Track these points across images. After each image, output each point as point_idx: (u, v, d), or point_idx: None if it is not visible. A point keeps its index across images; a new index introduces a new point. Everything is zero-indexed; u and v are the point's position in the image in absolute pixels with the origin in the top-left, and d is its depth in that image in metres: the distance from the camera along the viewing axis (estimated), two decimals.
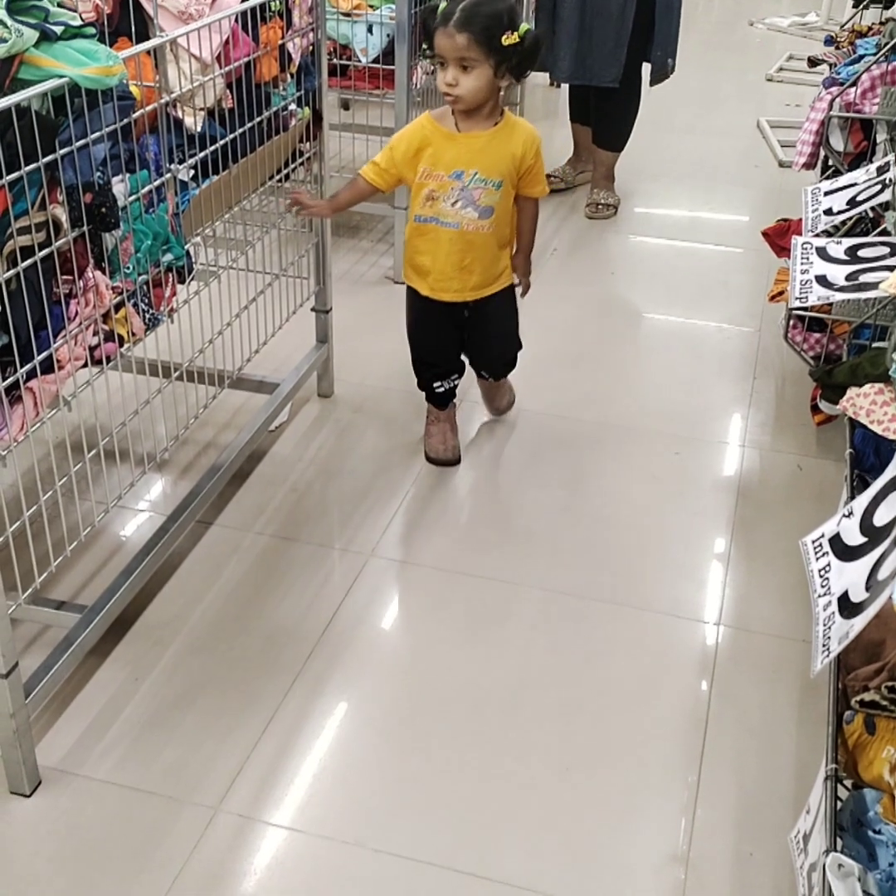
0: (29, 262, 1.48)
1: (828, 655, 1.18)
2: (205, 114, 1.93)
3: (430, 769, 1.75)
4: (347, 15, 3.24)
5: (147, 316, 1.84)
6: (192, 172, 1.92)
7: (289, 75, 2.23)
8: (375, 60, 3.27)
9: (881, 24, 3.21)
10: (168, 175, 1.83)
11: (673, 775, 1.75)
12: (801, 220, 2.27)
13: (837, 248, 1.99)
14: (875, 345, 2.43)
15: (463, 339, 2.45)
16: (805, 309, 2.54)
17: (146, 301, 1.83)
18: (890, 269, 1.84)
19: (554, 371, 2.91)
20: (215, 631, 2.01)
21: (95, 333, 1.70)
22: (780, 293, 2.72)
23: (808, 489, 2.46)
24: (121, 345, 1.78)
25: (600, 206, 3.92)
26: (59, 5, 1.55)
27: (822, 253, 1.98)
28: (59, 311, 1.59)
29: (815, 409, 2.56)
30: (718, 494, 2.44)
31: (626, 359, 3.04)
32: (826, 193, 2.22)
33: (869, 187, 2.15)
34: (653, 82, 3.78)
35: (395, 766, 1.76)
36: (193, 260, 1.99)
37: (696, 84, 5.38)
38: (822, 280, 1.91)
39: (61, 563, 1.74)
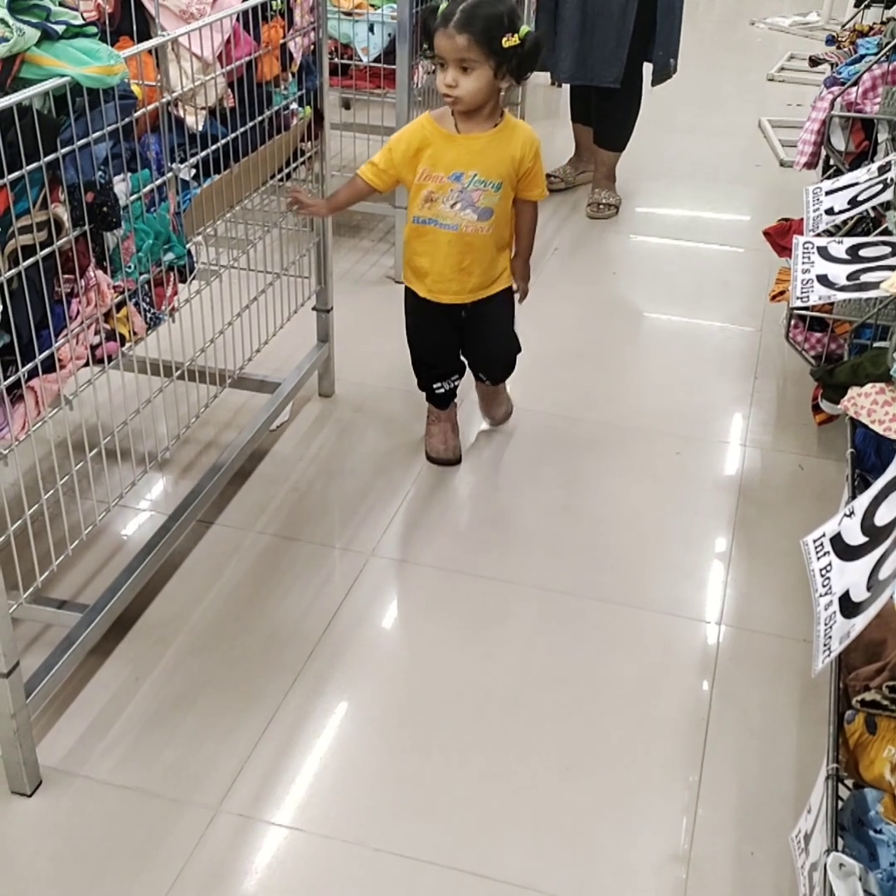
0: (30, 261, 1.48)
1: (829, 655, 1.18)
2: (206, 113, 1.93)
3: (431, 768, 1.75)
4: (349, 14, 3.23)
5: (148, 315, 1.84)
6: (193, 171, 1.92)
7: (290, 74, 2.23)
8: (377, 60, 3.27)
9: (882, 23, 3.21)
10: (169, 174, 1.83)
11: (674, 775, 1.75)
12: (802, 219, 2.27)
13: (839, 247, 1.99)
14: (876, 344, 2.43)
15: (462, 340, 2.45)
16: (806, 308, 2.54)
17: (147, 300, 1.83)
18: (891, 268, 1.84)
19: (555, 371, 2.91)
20: (216, 630, 2.01)
21: (97, 332, 1.70)
22: (782, 293, 2.72)
23: (810, 489, 2.46)
24: (122, 344, 1.79)
25: (602, 206, 3.92)
26: (61, 4, 1.55)
27: (824, 252, 1.98)
28: (60, 310, 1.59)
29: (816, 408, 2.56)
30: (719, 494, 2.44)
31: (627, 358, 3.04)
32: (827, 193, 2.21)
33: (870, 187, 2.14)
34: (655, 82, 3.78)
35: (396, 766, 1.76)
36: (195, 259, 1.99)
37: (698, 84, 5.37)
38: (824, 280, 1.91)
39: (62, 562, 1.74)
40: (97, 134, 1.56)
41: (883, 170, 2.17)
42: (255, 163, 2.15)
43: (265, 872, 1.58)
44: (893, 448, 1.73)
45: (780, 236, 2.82)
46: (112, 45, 1.64)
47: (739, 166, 4.49)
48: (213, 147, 1.96)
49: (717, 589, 2.16)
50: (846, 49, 3.08)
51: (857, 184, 2.19)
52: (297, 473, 2.46)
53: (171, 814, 1.66)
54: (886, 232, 2.10)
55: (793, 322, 2.65)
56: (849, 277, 1.89)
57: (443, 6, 2.13)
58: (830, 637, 1.20)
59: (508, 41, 2.09)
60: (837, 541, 1.31)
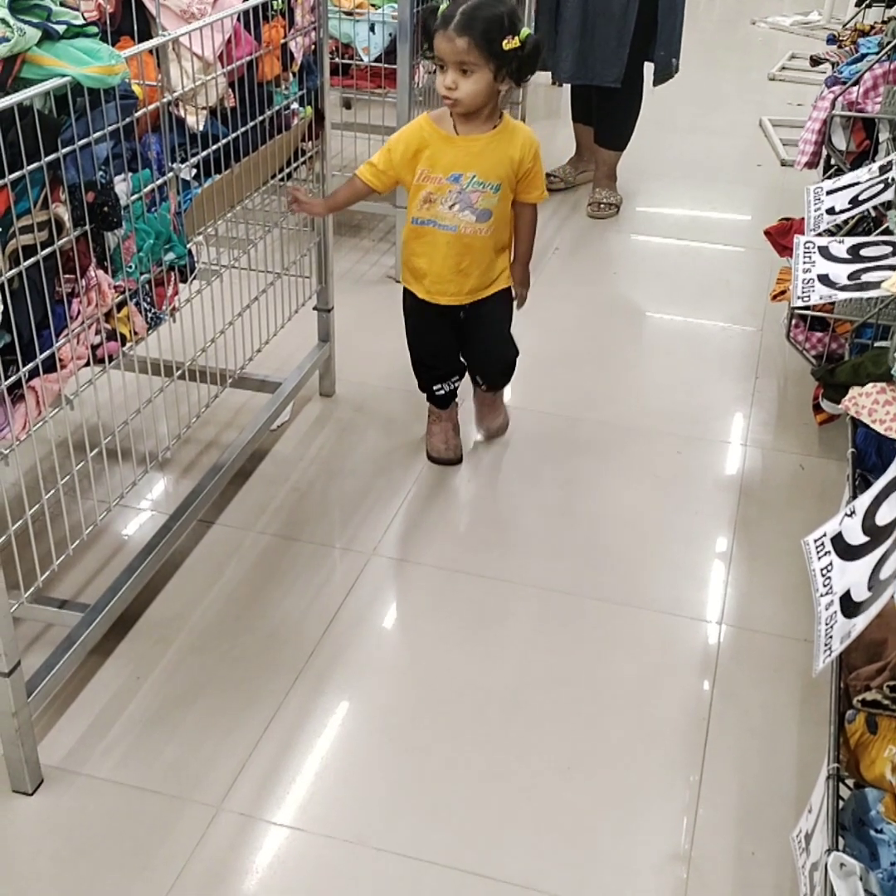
0: (31, 260, 1.48)
1: (830, 655, 1.18)
2: (207, 113, 1.93)
3: (432, 768, 1.75)
4: (349, 14, 3.23)
5: (149, 315, 1.84)
6: (194, 171, 1.92)
7: (291, 74, 2.23)
8: (377, 59, 3.27)
9: (883, 22, 3.20)
10: (170, 174, 1.83)
11: (675, 774, 1.75)
12: (803, 219, 2.27)
13: (840, 247, 1.99)
14: (877, 344, 2.43)
15: (461, 342, 2.44)
16: (807, 308, 2.54)
17: (148, 300, 1.83)
18: (892, 268, 1.84)
19: (555, 370, 2.91)
20: (217, 630, 2.01)
21: (97, 332, 1.70)
22: (783, 292, 2.72)
23: (811, 488, 2.46)
24: (123, 344, 1.79)
25: (602, 206, 3.92)
26: (62, 4, 1.55)
27: (825, 252, 1.98)
28: (61, 310, 1.59)
29: (817, 408, 2.56)
30: (720, 494, 2.44)
31: (627, 358, 3.04)
32: (828, 192, 2.21)
33: (871, 186, 2.14)
34: (657, 82, 3.77)
35: (397, 765, 1.76)
36: (195, 259, 1.99)
37: (698, 83, 5.37)
38: (825, 279, 1.91)
39: (63, 561, 1.74)
40: (98, 134, 1.56)
41: (884, 169, 2.16)
42: (255, 163, 2.15)
43: (266, 872, 1.58)
44: (894, 448, 1.73)
45: (781, 236, 2.82)
46: (113, 45, 1.64)
47: (740, 166, 4.48)
48: (214, 147, 1.96)
49: (717, 588, 2.16)
50: (847, 48, 3.08)
51: (858, 183, 2.19)
52: (297, 473, 2.47)
53: (172, 813, 1.66)
54: (887, 231, 2.10)
55: (794, 321, 2.65)
56: (850, 277, 1.89)
57: (443, 7, 2.12)
58: (831, 637, 1.20)
59: (509, 44, 2.08)
60: (838, 540, 1.31)
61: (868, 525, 1.28)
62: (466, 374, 2.50)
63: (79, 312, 1.62)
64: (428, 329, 2.41)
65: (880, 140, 2.55)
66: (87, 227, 1.58)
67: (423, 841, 1.63)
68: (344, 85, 3.39)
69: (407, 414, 2.66)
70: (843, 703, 1.37)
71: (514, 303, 2.42)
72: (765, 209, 3.91)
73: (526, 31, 2.11)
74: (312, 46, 2.31)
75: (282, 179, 2.35)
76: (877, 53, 2.66)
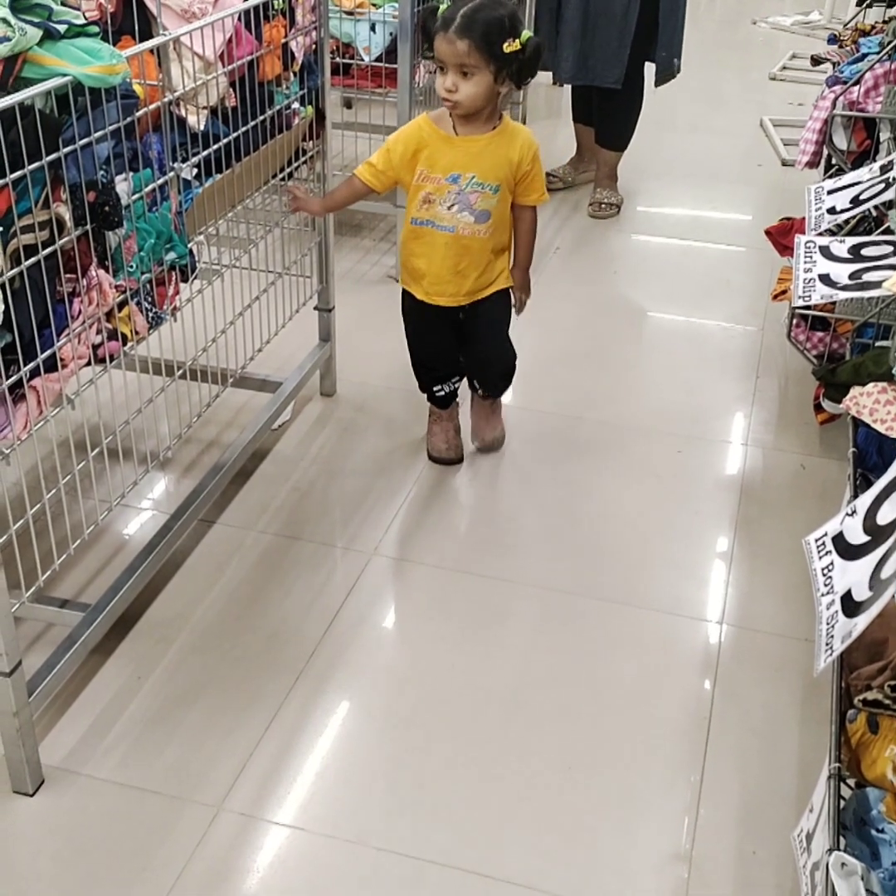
0: (32, 260, 1.48)
1: (831, 654, 1.18)
2: (208, 112, 1.93)
3: (432, 768, 1.75)
4: (350, 13, 3.24)
5: (150, 314, 1.84)
6: (195, 171, 1.92)
7: (292, 74, 2.23)
8: (378, 59, 3.27)
9: (884, 22, 3.20)
10: (171, 173, 1.83)
11: (676, 774, 1.75)
12: (804, 218, 2.26)
13: (841, 246, 1.99)
14: (878, 344, 2.43)
15: (460, 343, 2.43)
16: (808, 308, 2.54)
17: (149, 300, 1.83)
18: (893, 267, 1.84)
19: (556, 370, 2.91)
20: (218, 629, 2.01)
21: (99, 332, 1.70)
22: (784, 292, 2.72)
23: (812, 488, 2.46)
24: (124, 343, 1.79)
25: (603, 205, 3.92)
26: (63, 4, 1.55)
27: (826, 251, 1.98)
28: (62, 310, 1.59)
29: (818, 407, 2.56)
30: (721, 493, 2.44)
31: (628, 358, 3.04)
32: (829, 192, 2.21)
33: (872, 186, 2.14)
34: (658, 83, 3.77)
35: (397, 765, 1.76)
36: (196, 258, 1.99)
37: (699, 83, 5.37)
38: (826, 279, 1.90)
39: (64, 561, 1.74)
40: (99, 133, 1.56)
41: (885, 169, 2.16)
42: (256, 162, 2.15)
43: (267, 871, 1.58)
44: (895, 447, 1.73)
45: (782, 235, 2.82)
46: (114, 45, 1.64)
47: (741, 165, 4.48)
48: (215, 146, 1.96)
49: (718, 588, 2.16)
50: (848, 48, 3.08)
51: (859, 183, 2.18)
52: (298, 473, 2.47)
53: (172, 813, 1.66)
54: (888, 231, 2.10)
55: (795, 321, 2.65)
56: (851, 276, 1.89)
57: (443, 7, 2.12)
58: (832, 636, 1.19)
59: (509, 46, 2.08)
60: (839, 540, 1.31)
61: (869, 525, 1.28)
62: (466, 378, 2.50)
63: (80, 312, 1.62)
64: (427, 330, 2.41)
65: (881, 139, 2.55)
66: (89, 227, 1.58)
67: (423, 840, 1.63)
68: (345, 84, 3.39)
69: (408, 414, 2.66)
70: (844, 702, 1.36)
71: (513, 308, 2.41)
72: (766, 209, 3.91)
73: (527, 33, 2.11)
74: (313, 46, 2.31)
75: (283, 179, 2.35)
76: (878, 53, 2.66)
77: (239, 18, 1.95)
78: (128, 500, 2.02)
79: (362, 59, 3.29)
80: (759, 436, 2.65)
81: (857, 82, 2.59)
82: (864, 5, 3.48)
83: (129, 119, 1.63)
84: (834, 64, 2.99)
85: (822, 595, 1.26)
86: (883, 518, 1.26)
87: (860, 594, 1.20)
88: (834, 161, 2.70)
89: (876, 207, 2.22)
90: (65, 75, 1.45)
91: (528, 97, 4.69)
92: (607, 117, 3.87)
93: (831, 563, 1.29)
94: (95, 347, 1.71)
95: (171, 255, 1.84)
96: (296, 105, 2.29)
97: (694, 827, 1.66)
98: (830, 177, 2.55)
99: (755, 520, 2.35)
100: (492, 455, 2.56)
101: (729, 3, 7.89)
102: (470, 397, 2.55)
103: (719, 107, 5.32)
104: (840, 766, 1.28)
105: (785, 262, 2.83)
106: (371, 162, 2.27)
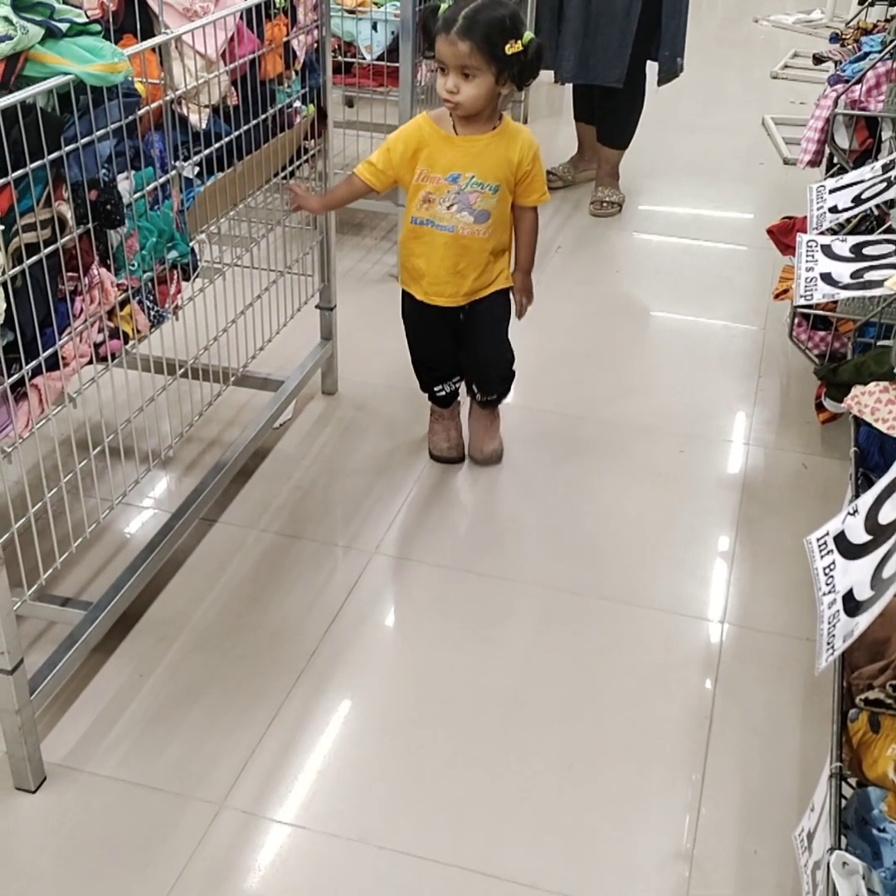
0: (34, 259, 1.48)
1: (832, 653, 1.18)
2: (210, 111, 1.93)
3: (434, 766, 1.75)
4: (352, 12, 3.24)
5: (152, 313, 1.84)
6: (196, 169, 1.92)
7: (293, 72, 2.23)
8: (380, 58, 3.27)
9: (886, 21, 3.20)
10: (173, 172, 1.83)
11: (677, 773, 1.75)
12: (805, 217, 2.26)
13: (842, 245, 1.99)
14: (880, 343, 2.43)
15: (459, 344, 2.43)
16: (810, 307, 2.54)
17: (151, 298, 1.83)
18: (895, 266, 1.84)
19: (557, 369, 2.91)
20: (219, 628, 2.01)
21: (100, 330, 1.70)
22: (785, 291, 2.71)
23: (813, 487, 2.46)
24: (126, 342, 1.79)
25: (605, 204, 3.92)
26: (65, 2, 1.56)
27: (827, 250, 1.98)
28: (64, 308, 1.59)
29: (819, 407, 2.56)
30: (723, 492, 2.44)
31: (630, 357, 3.03)
32: (831, 191, 2.21)
33: (874, 185, 2.14)
34: (661, 82, 3.76)
35: (399, 763, 1.76)
36: (198, 257, 1.99)
37: (701, 81, 5.36)
38: (827, 278, 1.90)
39: (66, 559, 1.74)
40: (101, 132, 1.56)
41: (887, 168, 2.16)
42: (258, 161, 2.15)
43: (268, 869, 1.58)
44: None
45: (784, 234, 2.82)
46: (116, 43, 1.64)
47: (743, 164, 4.48)
48: (217, 145, 1.96)
49: (720, 587, 2.16)
50: (850, 47, 3.08)
51: (860, 182, 2.18)
52: (300, 471, 2.47)
53: (174, 810, 1.66)
54: (890, 230, 2.10)
55: (796, 320, 2.64)
56: (852, 276, 1.89)
57: (443, 7, 2.12)
58: (834, 635, 1.20)
59: (511, 48, 2.07)
60: (841, 539, 1.31)
61: (870, 524, 1.28)
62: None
63: (81, 310, 1.62)
64: (427, 331, 2.41)
65: (883, 138, 2.55)
66: (90, 225, 1.58)
67: (424, 839, 1.63)
68: (346, 83, 3.39)
69: (409, 412, 2.66)
70: (845, 701, 1.36)
71: (514, 310, 2.39)
72: (767, 207, 3.90)
73: (529, 35, 2.10)
74: (315, 44, 2.31)
75: (284, 178, 2.35)
76: (880, 52, 2.66)
77: (241, 17, 1.95)
78: (129, 498, 2.02)
79: (364, 58, 3.29)
80: (760, 435, 2.65)
81: (859, 81, 2.59)
82: (866, 4, 3.48)
83: (130, 117, 1.63)
84: (836, 62, 2.99)
85: (824, 594, 1.26)
86: (884, 517, 1.26)
87: (862, 593, 1.20)
88: (836, 160, 2.70)
89: (877, 206, 2.22)
90: (67, 74, 1.45)
91: (529, 96, 4.69)
92: (609, 116, 3.87)
93: (833, 563, 1.29)
94: (97, 346, 1.71)
95: (173, 254, 1.84)
96: (297, 104, 2.29)
97: (695, 826, 1.66)
98: (832, 176, 2.55)
99: (757, 519, 2.35)
100: None
101: (731, 1, 7.88)
102: (469, 408, 2.54)
103: (721, 105, 5.32)
104: (841, 766, 1.28)
105: (786, 261, 2.83)
106: (371, 161, 2.26)
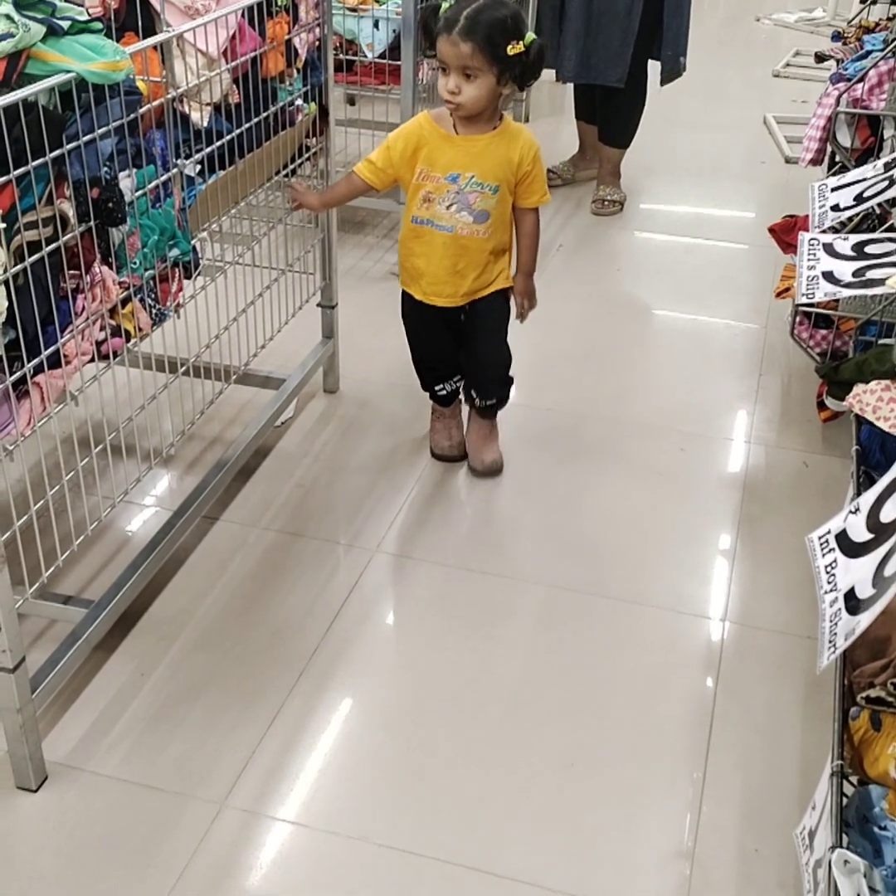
0: (36, 257, 1.48)
1: (834, 652, 1.18)
2: (211, 109, 1.93)
3: (435, 764, 1.75)
4: (354, 10, 3.24)
5: (153, 311, 1.84)
6: (198, 167, 1.92)
7: (295, 70, 2.23)
8: (381, 56, 3.27)
9: (889, 19, 3.20)
10: (174, 170, 1.83)
11: (678, 771, 1.75)
12: (807, 216, 2.26)
13: (844, 244, 1.99)
14: (881, 341, 2.43)
15: (459, 344, 2.42)
16: (811, 305, 2.54)
17: (153, 296, 1.83)
18: None
19: (558, 368, 2.91)
20: (221, 626, 2.01)
21: (102, 328, 1.70)
22: (787, 289, 2.71)
23: (814, 485, 2.45)
24: (127, 340, 1.79)
25: (606, 203, 3.92)
26: (66, 0, 1.55)
27: (829, 249, 1.98)
28: (65, 306, 1.59)
29: (821, 405, 2.56)
30: (724, 491, 2.44)
31: (631, 355, 3.03)
32: (833, 189, 2.21)
33: (876, 183, 2.14)
34: (664, 81, 3.76)
35: (400, 762, 1.76)
36: (200, 255, 1.99)
37: (703, 80, 5.36)
38: (829, 276, 1.90)
39: (68, 557, 1.74)
40: (103, 130, 1.56)
41: (889, 166, 2.16)
42: (260, 159, 2.15)
43: (270, 868, 1.58)
44: None
45: (786, 233, 2.81)
46: (117, 41, 1.63)
47: (744, 163, 4.48)
48: (218, 143, 1.96)
49: (721, 586, 2.16)
50: (852, 45, 3.07)
51: (862, 180, 2.18)
52: (301, 469, 2.47)
53: (175, 809, 1.66)
54: (892, 228, 2.10)
55: (798, 319, 2.64)
56: (854, 274, 1.89)
57: (444, 6, 2.11)
58: (835, 634, 1.20)
59: (513, 49, 2.07)
60: (842, 537, 1.31)
61: (872, 522, 1.28)
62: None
63: (83, 308, 1.62)
64: (427, 331, 2.41)
65: (885, 137, 2.55)
66: (92, 223, 1.58)
67: (426, 837, 1.63)
68: (348, 81, 3.40)
69: (410, 410, 2.66)
70: (847, 700, 1.36)
71: (513, 313, 2.38)
72: (769, 206, 3.90)
73: (531, 35, 2.09)
74: (316, 42, 2.31)
75: (286, 176, 2.35)
76: (882, 50, 2.65)
77: (242, 15, 1.95)
78: (131, 496, 2.02)
79: (365, 56, 3.29)
80: (761, 433, 2.65)
81: (861, 79, 2.59)
82: (868, 2, 3.47)
83: (132, 115, 1.63)
84: (838, 61, 2.98)
85: (825, 592, 1.26)
86: (886, 516, 1.26)
87: (863, 591, 1.20)
88: (837, 158, 2.70)
89: (879, 205, 2.22)
90: (68, 72, 1.45)
91: (530, 94, 4.69)
92: (610, 115, 3.87)
93: (834, 561, 1.29)
94: (99, 344, 1.71)
95: (175, 252, 1.84)
96: (299, 102, 2.29)
97: (696, 824, 1.66)
98: (834, 174, 2.55)
99: (758, 517, 2.35)
100: None
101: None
102: (467, 418, 2.52)
103: (723, 104, 5.32)
104: (843, 764, 1.28)
105: (788, 260, 2.83)
106: (371, 159, 2.26)
